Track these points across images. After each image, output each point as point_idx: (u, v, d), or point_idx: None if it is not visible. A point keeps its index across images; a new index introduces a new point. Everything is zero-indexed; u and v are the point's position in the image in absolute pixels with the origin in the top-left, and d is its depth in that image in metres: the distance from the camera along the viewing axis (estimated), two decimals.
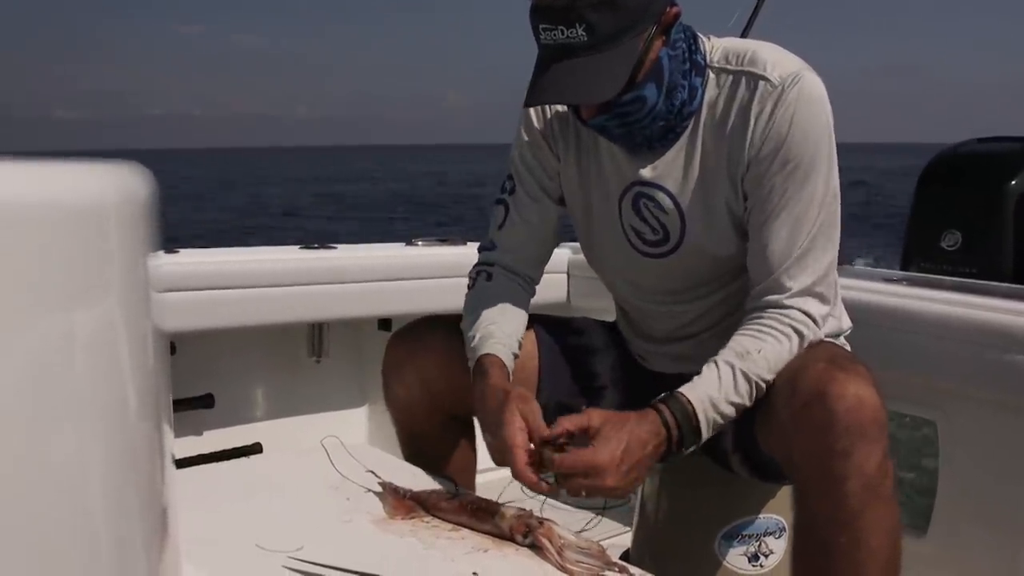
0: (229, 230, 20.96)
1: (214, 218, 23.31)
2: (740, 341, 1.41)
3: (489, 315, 1.55)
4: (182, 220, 21.41)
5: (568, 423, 1.34)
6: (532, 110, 1.62)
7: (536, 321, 1.68)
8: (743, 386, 1.38)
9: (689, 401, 1.36)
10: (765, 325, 1.41)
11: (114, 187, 0.61)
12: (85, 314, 0.57)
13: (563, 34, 1.34)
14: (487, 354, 1.50)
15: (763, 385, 1.39)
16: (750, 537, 1.66)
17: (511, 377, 1.50)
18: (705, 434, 1.38)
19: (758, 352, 1.39)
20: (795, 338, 1.41)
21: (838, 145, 1.44)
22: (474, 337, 1.53)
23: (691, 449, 1.39)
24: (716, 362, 1.40)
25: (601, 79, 1.35)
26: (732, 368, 1.38)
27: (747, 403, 1.39)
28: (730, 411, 1.38)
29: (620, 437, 1.31)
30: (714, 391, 1.37)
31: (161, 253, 0.71)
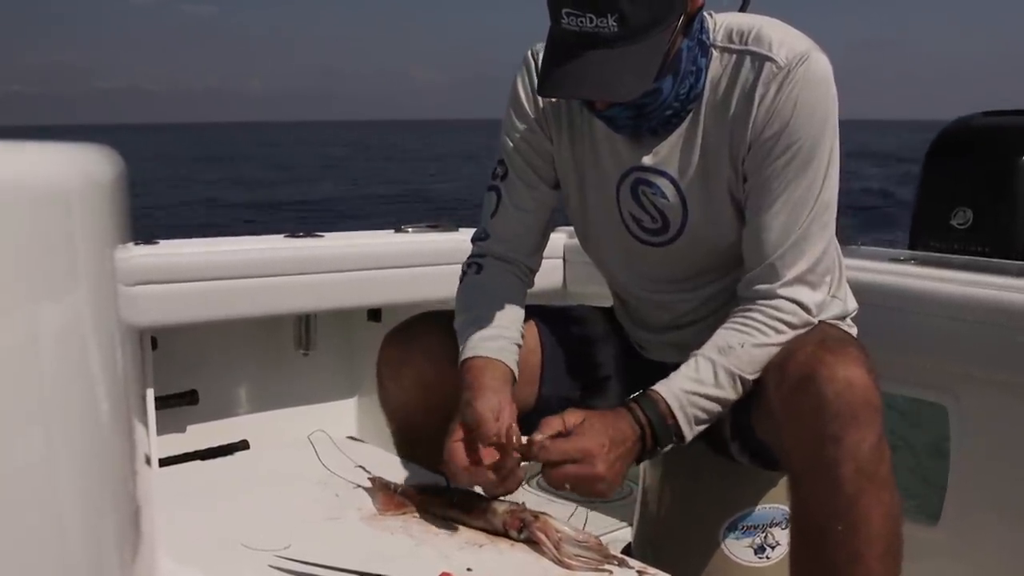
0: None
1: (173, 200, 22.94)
2: (724, 335, 1.39)
3: (479, 312, 1.51)
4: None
5: (548, 428, 1.30)
6: (521, 90, 1.57)
7: (535, 313, 1.63)
8: (725, 380, 1.35)
9: (662, 398, 1.34)
10: (751, 319, 1.39)
11: (78, 170, 0.58)
12: (48, 308, 0.54)
13: (591, 22, 1.25)
14: (469, 358, 1.45)
15: (748, 379, 1.37)
16: (755, 528, 1.63)
17: (506, 371, 1.45)
18: (687, 430, 1.35)
19: (741, 346, 1.36)
20: (784, 330, 1.38)
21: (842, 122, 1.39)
22: (462, 339, 1.48)
23: (668, 447, 1.36)
24: (696, 356, 1.38)
25: (627, 75, 1.28)
26: (712, 363, 1.36)
27: (731, 397, 1.37)
28: (712, 406, 1.36)
29: (604, 427, 1.30)
30: (689, 386, 1.35)
31: (131, 244, 0.68)
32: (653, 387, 1.36)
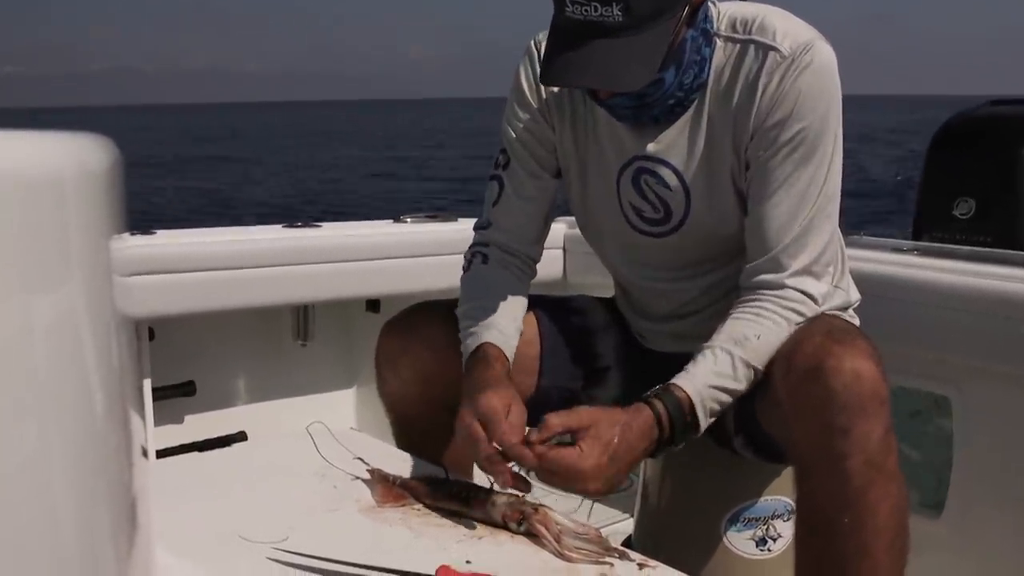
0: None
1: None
2: (737, 326, 1.37)
3: (487, 302, 1.50)
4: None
5: (557, 423, 1.27)
6: (523, 79, 1.56)
7: (535, 304, 1.62)
8: (742, 373, 1.34)
9: (686, 394, 1.32)
10: (763, 308, 1.37)
11: (72, 159, 0.57)
12: (43, 298, 0.53)
13: (596, 11, 1.24)
14: (484, 343, 1.44)
15: (760, 370, 1.36)
16: (757, 520, 1.61)
17: (510, 366, 1.45)
18: (703, 426, 1.34)
19: (756, 338, 1.35)
20: (796, 319, 1.37)
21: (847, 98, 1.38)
22: (470, 326, 1.47)
23: (683, 444, 1.35)
24: (713, 349, 1.35)
25: (632, 65, 1.27)
26: (730, 355, 1.34)
27: (744, 389, 1.36)
28: (728, 399, 1.35)
29: (610, 441, 1.26)
30: (712, 380, 1.33)
31: (127, 234, 0.68)
32: (674, 381, 1.33)
